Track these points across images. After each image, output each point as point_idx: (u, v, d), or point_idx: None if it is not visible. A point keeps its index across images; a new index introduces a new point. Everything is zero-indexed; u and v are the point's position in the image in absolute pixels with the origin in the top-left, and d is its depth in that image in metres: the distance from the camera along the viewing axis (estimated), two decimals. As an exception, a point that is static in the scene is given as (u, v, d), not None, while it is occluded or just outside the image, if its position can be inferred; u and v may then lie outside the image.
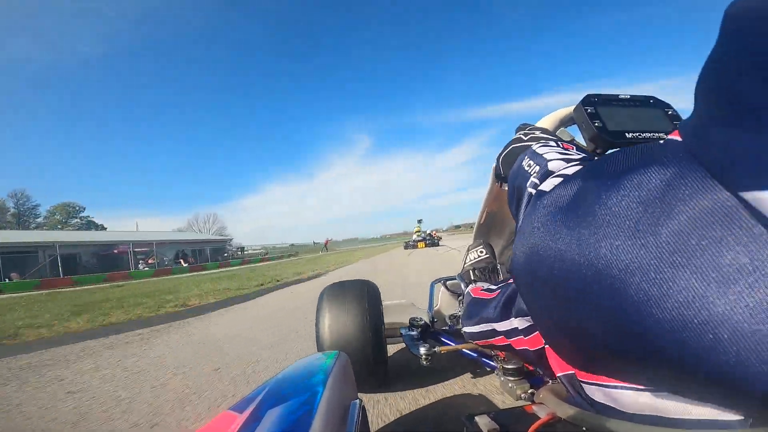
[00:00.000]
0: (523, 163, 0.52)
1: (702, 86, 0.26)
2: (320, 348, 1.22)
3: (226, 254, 40.46)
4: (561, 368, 0.49)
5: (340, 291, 1.33)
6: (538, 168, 0.47)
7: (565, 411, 0.50)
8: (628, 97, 0.70)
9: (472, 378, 1.51)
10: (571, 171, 0.41)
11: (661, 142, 0.30)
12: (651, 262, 0.25)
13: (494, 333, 0.68)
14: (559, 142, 0.55)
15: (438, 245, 18.64)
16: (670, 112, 0.70)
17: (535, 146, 0.54)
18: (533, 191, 0.43)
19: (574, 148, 0.53)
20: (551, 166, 0.45)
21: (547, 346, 0.54)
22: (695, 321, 0.23)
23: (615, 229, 0.27)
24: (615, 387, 0.40)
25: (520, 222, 0.43)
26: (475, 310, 0.76)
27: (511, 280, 0.69)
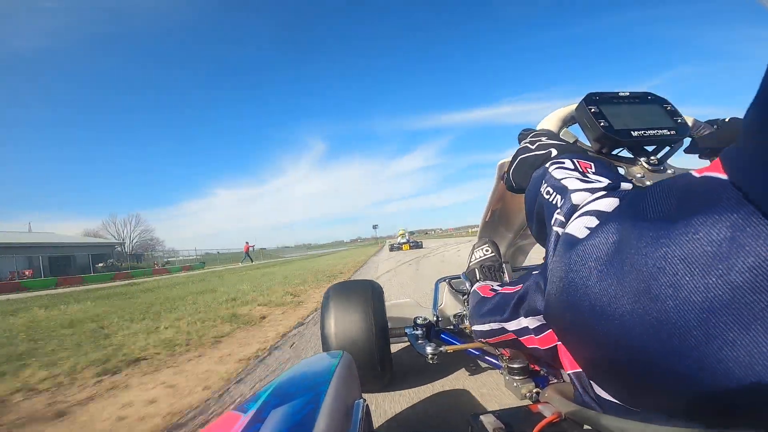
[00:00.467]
0: (542, 189, 0.50)
1: (758, 118, 0.23)
2: (325, 348, 1.23)
3: (113, 261, 30.55)
4: (572, 366, 0.49)
5: (345, 290, 1.33)
6: (560, 198, 0.46)
7: (571, 410, 0.50)
8: (627, 94, 0.70)
9: (476, 377, 1.51)
10: (600, 206, 0.39)
11: (699, 176, 0.27)
12: (722, 319, 0.22)
13: (503, 331, 0.68)
14: (575, 160, 0.52)
15: (421, 247, 18.94)
16: (668, 108, 0.69)
17: (551, 169, 0.52)
18: (560, 231, 0.42)
19: (593, 166, 0.51)
20: (575, 198, 0.43)
21: (560, 343, 0.53)
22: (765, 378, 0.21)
23: (672, 283, 0.25)
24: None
25: (550, 261, 0.41)
26: (484, 308, 0.75)
27: (517, 287, 0.68)
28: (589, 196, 0.43)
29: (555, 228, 0.44)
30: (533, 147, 0.62)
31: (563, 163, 0.53)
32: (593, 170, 0.50)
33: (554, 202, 0.46)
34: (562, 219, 0.43)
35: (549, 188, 0.49)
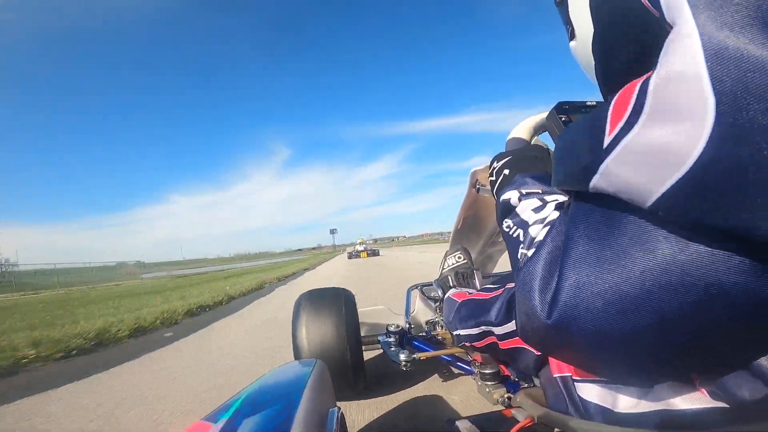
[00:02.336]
0: (503, 225, 0.52)
1: None
2: (297, 356, 1.20)
3: None
4: (559, 370, 0.50)
5: (317, 298, 1.32)
6: (521, 233, 0.47)
7: (542, 414, 0.51)
8: (595, 103, 0.72)
9: (449, 383, 1.52)
10: (545, 231, 0.42)
11: None
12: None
13: (489, 334, 0.69)
14: (525, 188, 0.55)
15: (378, 254, 19.28)
16: None
17: (511, 200, 0.54)
18: (523, 260, 0.43)
19: (540, 186, 0.54)
20: (532, 232, 0.45)
21: None
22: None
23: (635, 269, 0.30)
24: (612, 384, 0.42)
25: (516, 288, 0.43)
26: (470, 312, 0.76)
27: (499, 290, 0.69)
28: (540, 227, 0.44)
29: (519, 256, 0.45)
30: (494, 177, 0.65)
31: (521, 191, 0.54)
32: (541, 190, 0.53)
33: (516, 236, 0.48)
34: (525, 251, 0.44)
35: (513, 223, 0.50)
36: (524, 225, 0.47)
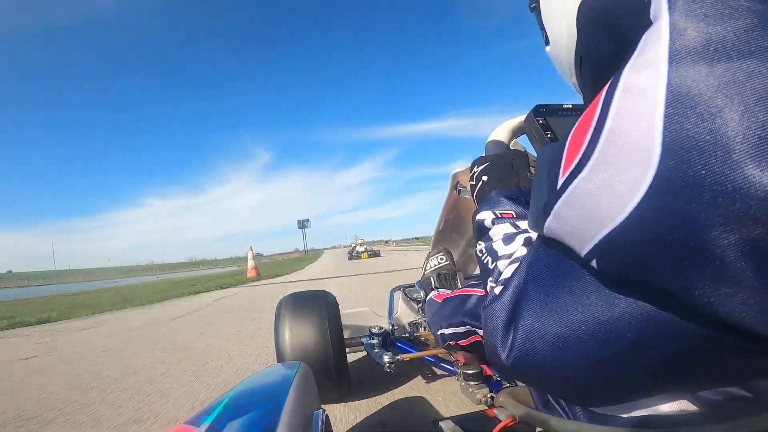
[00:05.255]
0: (477, 247, 0.54)
1: None
2: (280, 359, 1.19)
3: None
4: None
5: (299, 301, 1.31)
6: (490, 261, 0.49)
7: (524, 413, 0.52)
8: (571, 106, 0.74)
9: (432, 383, 1.52)
10: (510, 270, 0.43)
11: None
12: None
13: (474, 333, 0.69)
14: (499, 210, 0.56)
15: (379, 255, 18.65)
16: None
17: (486, 222, 0.56)
18: (491, 294, 0.44)
19: (513, 215, 0.55)
20: (500, 265, 0.46)
21: None
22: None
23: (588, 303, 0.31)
24: None
25: (483, 318, 0.44)
26: (454, 309, 0.76)
27: (482, 290, 0.70)
28: (506, 263, 0.45)
29: (488, 288, 0.46)
30: (474, 181, 0.66)
31: (495, 212, 0.56)
32: (514, 213, 0.55)
33: (485, 262, 0.50)
34: (492, 283, 0.45)
35: (483, 248, 0.52)
36: (494, 255, 0.49)
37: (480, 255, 0.53)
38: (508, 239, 0.49)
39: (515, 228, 0.51)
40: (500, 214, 0.55)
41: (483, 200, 0.62)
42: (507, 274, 0.43)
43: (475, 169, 0.68)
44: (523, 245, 0.46)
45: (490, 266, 0.48)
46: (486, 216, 0.56)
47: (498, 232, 0.52)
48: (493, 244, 0.51)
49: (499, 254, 0.48)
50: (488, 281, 0.47)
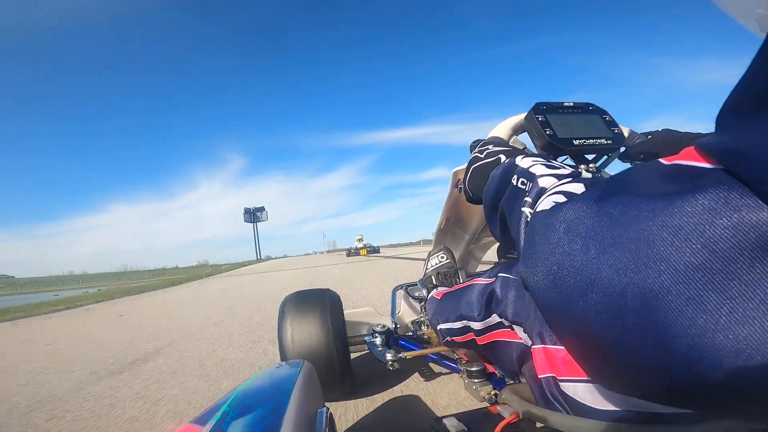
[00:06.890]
0: (513, 180, 0.47)
1: (741, 105, 0.22)
2: (283, 358, 1.20)
3: None
4: (543, 370, 0.51)
5: (302, 299, 1.31)
6: (529, 184, 0.43)
7: (528, 410, 0.52)
8: (571, 104, 0.75)
9: (435, 381, 1.53)
10: (569, 188, 0.36)
11: (669, 163, 0.27)
12: (702, 290, 0.22)
13: (469, 330, 0.69)
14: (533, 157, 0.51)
15: (378, 252, 18.72)
16: (607, 118, 0.75)
17: (517, 160, 0.50)
18: (529, 212, 0.39)
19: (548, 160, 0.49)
20: (542, 182, 0.41)
21: (534, 347, 0.54)
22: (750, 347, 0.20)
23: (660, 257, 0.23)
24: (595, 383, 0.43)
25: (522, 245, 0.38)
26: (451, 304, 0.76)
27: (484, 279, 0.70)
28: (556, 181, 0.40)
29: (524, 209, 0.41)
30: (483, 156, 0.62)
31: (525, 155, 0.51)
32: (558, 162, 0.49)
33: (520, 185, 0.45)
34: (531, 201, 0.40)
35: (520, 177, 0.46)
36: (532, 177, 0.43)
37: (515, 184, 0.46)
38: (550, 166, 0.44)
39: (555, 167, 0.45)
40: (531, 159, 0.49)
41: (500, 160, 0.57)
42: (570, 188, 0.36)
43: (477, 146, 0.67)
44: (573, 181, 0.39)
45: (528, 187, 0.42)
46: (510, 162, 0.51)
47: (531, 163, 0.46)
48: (530, 168, 0.45)
49: (543, 172, 0.43)
50: (523, 198, 0.41)
